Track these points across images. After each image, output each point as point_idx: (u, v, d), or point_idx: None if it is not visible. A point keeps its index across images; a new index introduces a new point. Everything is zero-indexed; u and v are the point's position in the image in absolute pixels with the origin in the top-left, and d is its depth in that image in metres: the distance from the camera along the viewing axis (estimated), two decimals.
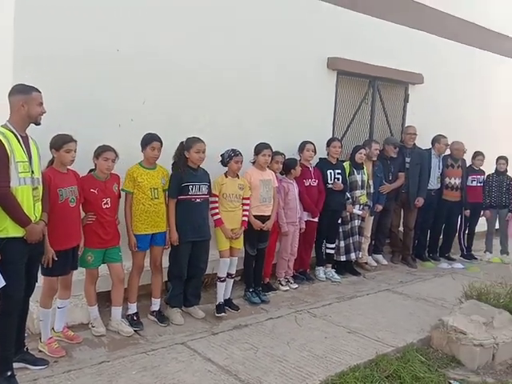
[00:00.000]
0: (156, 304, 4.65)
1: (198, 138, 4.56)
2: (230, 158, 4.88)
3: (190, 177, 4.54)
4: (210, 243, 4.83)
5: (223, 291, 4.94)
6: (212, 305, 4.97)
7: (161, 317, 4.61)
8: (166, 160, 4.56)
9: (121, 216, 4.41)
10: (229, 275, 4.99)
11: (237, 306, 5.04)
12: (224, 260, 4.91)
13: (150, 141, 4.37)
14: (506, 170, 7.69)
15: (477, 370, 4.09)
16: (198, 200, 4.58)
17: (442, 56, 8.07)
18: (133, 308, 4.50)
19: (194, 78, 5.24)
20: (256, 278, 5.42)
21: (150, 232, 4.45)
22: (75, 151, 3.82)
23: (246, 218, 5.03)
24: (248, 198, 5.08)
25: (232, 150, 4.90)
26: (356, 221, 6.49)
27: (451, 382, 3.87)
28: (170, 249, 4.63)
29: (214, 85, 5.40)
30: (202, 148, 4.53)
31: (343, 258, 6.44)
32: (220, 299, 4.90)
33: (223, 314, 4.74)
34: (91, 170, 4.23)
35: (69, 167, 3.89)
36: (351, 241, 6.45)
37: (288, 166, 5.69)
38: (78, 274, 4.25)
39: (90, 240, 4.13)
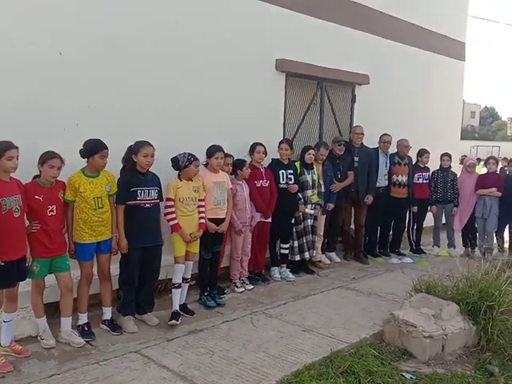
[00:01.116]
0: (107, 313, 4.51)
1: (146, 142, 4.46)
2: (189, 162, 4.79)
3: (138, 181, 4.43)
4: (163, 248, 4.74)
5: (178, 298, 4.85)
6: (166, 311, 4.88)
7: (113, 325, 4.48)
8: (111, 164, 4.42)
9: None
10: (184, 280, 4.92)
11: (192, 311, 4.97)
12: (179, 266, 4.83)
13: (101, 148, 4.20)
14: (450, 166, 7.96)
15: (428, 362, 4.18)
16: (147, 205, 4.48)
17: (387, 57, 8.30)
18: (83, 318, 4.35)
19: (141, 82, 5.14)
20: (211, 281, 5.37)
21: (95, 240, 4.30)
22: (17, 158, 3.67)
23: (203, 221, 4.97)
24: (203, 200, 5.03)
25: (189, 154, 4.82)
26: (309, 220, 6.55)
27: (403, 374, 3.94)
28: (120, 256, 4.51)
29: (161, 88, 5.32)
30: (150, 152, 4.43)
31: (297, 258, 6.48)
32: (175, 307, 4.79)
33: (174, 321, 4.60)
34: (36, 176, 4.06)
35: (12, 175, 3.73)
36: (305, 240, 6.50)
37: (235, 167, 5.68)
38: (24, 286, 4.08)
39: (35, 249, 3.97)
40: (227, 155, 5.50)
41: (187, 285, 5.01)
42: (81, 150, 4.23)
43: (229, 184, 5.35)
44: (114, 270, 4.58)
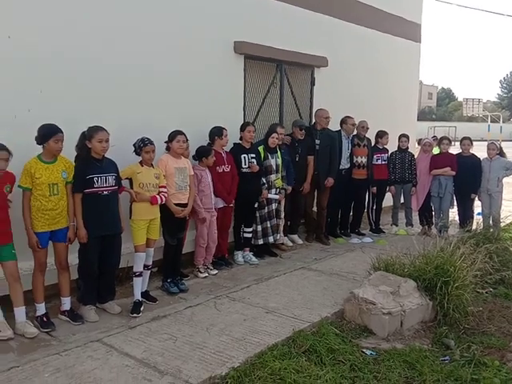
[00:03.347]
0: (66, 303, 4.42)
1: (100, 127, 4.34)
2: (139, 148, 4.74)
3: (94, 168, 4.32)
4: (123, 235, 4.65)
5: (140, 287, 4.79)
6: (128, 299, 4.84)
7: (73, 315, 4.40)
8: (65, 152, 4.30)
9: (19, 213, 4.12)
10: (145, 267, 4.86)
11: (155, 298, 4.93)
12: (140, 254, 4.77)
13: (54, 132, 4.08)
14: (408, 147, 8.10)
15: (387, 338, 4.30)
16: (105, 192, 4.37)
17: (345, 39, 8.34)
18: (41, 309, 4.25)
19: (95, 67, 4.99)
20: (174, 267, 5.33)
21: (48, 229, 4.19)
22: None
23: (157, 197, 4.79)
24: (164, 187, 4.95)
25: (141, 139, 4.76)
26: (273, 204, 6.57)
27: (364, 350, 4.04)
28: (79, 245, 4.41)
29: (117, 73, 5.19)
30: (104, 137, 4.32)
31: (261, 242, 6.51)
32: (137, 296, 4.73)
33: (135, 314, 4.53)
34: None
35: None
36: (269, 224, 6.52)
37: (200, 154, 5.63)
38: None
39: None
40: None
41: (149, 272, 4.97)
42: (36, 136, 4.11)
43: (190, 170, 5.30)
44: (74, 259, 4.49)
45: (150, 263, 4.95)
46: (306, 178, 7.16)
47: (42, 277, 4.27)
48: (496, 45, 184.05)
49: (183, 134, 5.15)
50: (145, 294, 4.88)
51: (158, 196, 4.80)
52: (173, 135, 5.12)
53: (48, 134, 4.09)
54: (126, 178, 4.75)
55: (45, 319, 4.24)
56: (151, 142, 4.75)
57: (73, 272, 4.50)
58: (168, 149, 5.21)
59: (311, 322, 4.38)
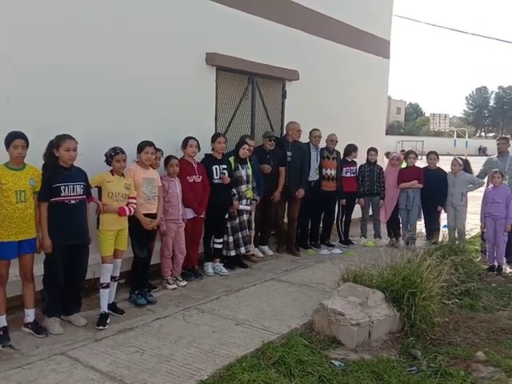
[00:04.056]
0: (30, 315, 4.28)
1: (68, 135, 4.27)
2: (110, 157, 4.70)
3: (61, 177, 4.24)
4: (90, 246, 4.56)
5: (107, 299, 4.70)
6: (95, 311, 4.73)
7: (37, 328, 4.26)
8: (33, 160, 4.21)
9: None
10: (112, 278, 4.78)
11: (122, 310, 4.84)
12: (107, 266, 4.68)
13: (12, 139, 4.01)
14: (376, 161, 8.24)
15: (355, 348, 4.32)
16: (72, 201, 4.29)
17: (316, 54, 8.46)
18: (1, 322, 4.11)
19: (61, 74, 4.90)
20: (142, 278, 5.26)
21: (15, 239, 4.07)
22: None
23: (126, 208, 4.72)
24: (134, 198, 4.89)
25: (113, 148, 4.72)
26: (244, 215, 6.56)
27: (333, 361, 4.05)
28: (44, 255, 4.29)
29: (87, 82, 5.12)
30: (72, 146, 4.25)
31: (233, 253, 6.48)
32: (104, 308, 4.63)
33: (102, 327, 4.43)
34: None
35: None
36: (240, 235, 6.50)
37: (165, 163, 5.61)
38: None
39: None
40: (157, 150, 5.39)
41: (116, 283, 4.88)
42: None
43: (159, 181, 5.27)
44: (38, 270, 4.36)
45: (118, 274, 4.87)
46: (278, 187, 7.17)
47: (3, 289, 4.13)
48: (462, 62, 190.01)
49: (152, 145, 5.11)
50: (112, 306, 4.79)
51: (126, 207, 4.74)
52: (142, 146, 5.09)
53: (7, 140, 4.04)
54: (96, 187, 4.67)
55: (1, 333, 4.08)
56: (123, 151, 4.71)
57: (37, 283, 4.37)
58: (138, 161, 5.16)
59: (280, 333, 4.37)
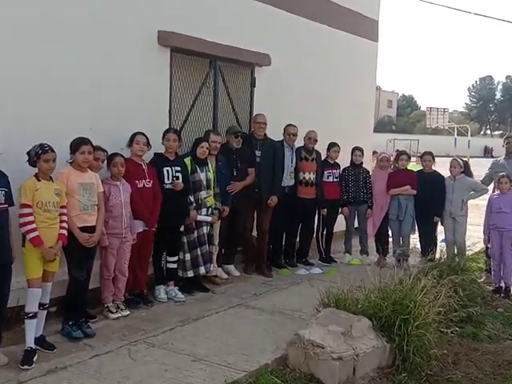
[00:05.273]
0: None
1: None
2: (37, 155, 4.61)
3: None
4: (14, 267, 4.49)
5: (33, 331, 4.60)
6: (19, 346, 4.64)
7: None
8: None
9: None
10: (41, 306, 4.70)
11: (52, 345, 4.76)
12: (34, 291, 4.59)
13: None
14: (362, 163, 8.35)
15: None
16: None
17: (291, 35, 8.54)
18: None
19: None
20: (78, 306, 5.18)
21: None
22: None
23: (64, 232, 4.78)
24: (65, 207, 4.84)
25: (40, 145, 4.64)
26: (204, 228, 6.56)
27: None
28: None
29: (12, 68, 5.06)
30: None
31: (190, 274, 6.46)
32: (30, 343, 4.53)
33: (27, 366, 4.33)
34: None
35: None
36: (199, 252, 6.50)
37: (108, 162, 5.58)
38: None
39: None
40: (98, 149, 5.36)
41: (45, 312, 4.80)
42: None
43: (99, 186, 5.22)
44: None
45: (47, 301, 4.79)
46: (273, 191, 7.28)
47: None
48: (464, 48, 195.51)
49: (89, 142, 5.06)
50: (40, 340, 4.71)
51: (65, 231, 4.76)
52: (76, 144, 5.01)
53: None
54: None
55: None
56: (52, 149, 4.65)
57: None
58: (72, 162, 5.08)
59: (248, 370, 4.38)
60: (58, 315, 5.28)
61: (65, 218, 4.83)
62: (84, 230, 5.03)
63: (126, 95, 6.13)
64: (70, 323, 5.07)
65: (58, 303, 5.26)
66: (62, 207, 4.79)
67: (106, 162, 5.57)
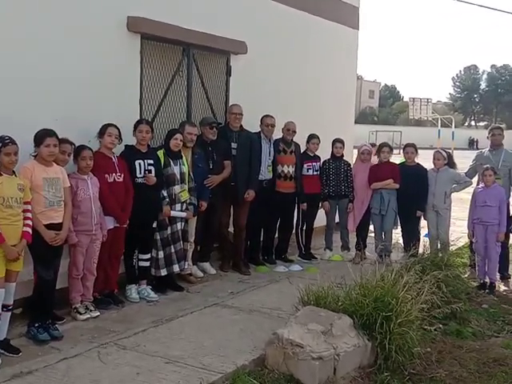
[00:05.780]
0: None
1: None
2: None
3: None
4: None
5: None
6: None
7: None
8: None
9: None
10: (4, 308, 4.66)
11: (17, 349, 4.72)
12: None
13: None
14: (343, 155, 8.38)
15: None
16: None
17: (269, 21, 8.52)
18: None
19: None
20: (45, 307, 5.15)
21: None
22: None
23: (28, 229, 4.75)
24: (29, 203, 4.80)
25: (0, 137, 4.59)
26: (178, 224, 6.55)
27: None
28: None
29: None
30: None
31: (164, 273, 6.45)
32: None
33: None
34: None
35: None
36: (173, 249, 6.49)
37: (75, 155, 5.53)
38: None
39: None
40: (65, 141, 5.32)
41: (9, 314, 4.77)
42: None
43: (66, 181, 5.19)
44: None
45: (11, 303, 4.76)
46: (250, 185, 7.29)
47: None
48: (447, 36, 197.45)
49: (54, 134, 5.01)
50: (4, 344, 4.68)
51: (28, 229, 4.71)
52: (40, 136, 4.97)
53: None
54: None
55: None
56: (13, 142, 4.60)
57: None
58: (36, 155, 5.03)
59: (224, 372, 4.38)
60: (23, 317, 5.26)
61: (29, 214, 4.79)
62: (50, 227, 5.01)
63: (94, 84, 6.07)
64: (36, 325, 5.04)
65: (23, 304, 5.23)
66: (25, 203, 4.75)
67: (72, 155, 5.52)
